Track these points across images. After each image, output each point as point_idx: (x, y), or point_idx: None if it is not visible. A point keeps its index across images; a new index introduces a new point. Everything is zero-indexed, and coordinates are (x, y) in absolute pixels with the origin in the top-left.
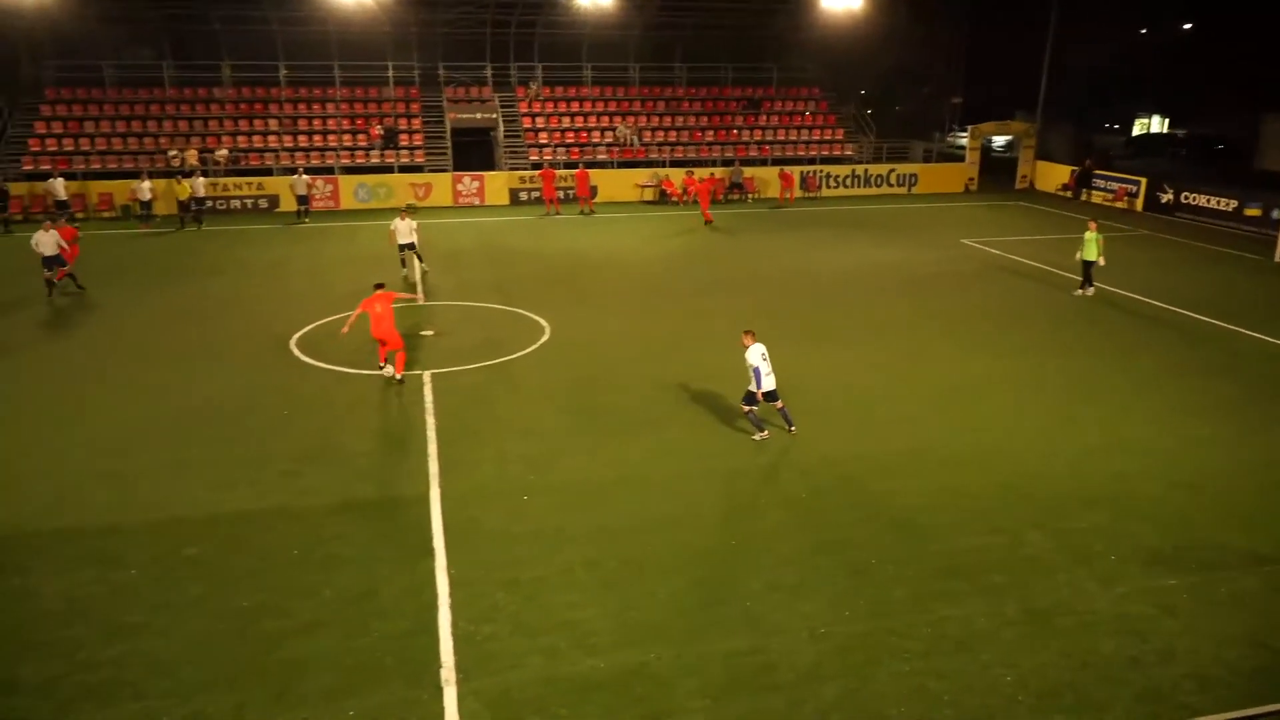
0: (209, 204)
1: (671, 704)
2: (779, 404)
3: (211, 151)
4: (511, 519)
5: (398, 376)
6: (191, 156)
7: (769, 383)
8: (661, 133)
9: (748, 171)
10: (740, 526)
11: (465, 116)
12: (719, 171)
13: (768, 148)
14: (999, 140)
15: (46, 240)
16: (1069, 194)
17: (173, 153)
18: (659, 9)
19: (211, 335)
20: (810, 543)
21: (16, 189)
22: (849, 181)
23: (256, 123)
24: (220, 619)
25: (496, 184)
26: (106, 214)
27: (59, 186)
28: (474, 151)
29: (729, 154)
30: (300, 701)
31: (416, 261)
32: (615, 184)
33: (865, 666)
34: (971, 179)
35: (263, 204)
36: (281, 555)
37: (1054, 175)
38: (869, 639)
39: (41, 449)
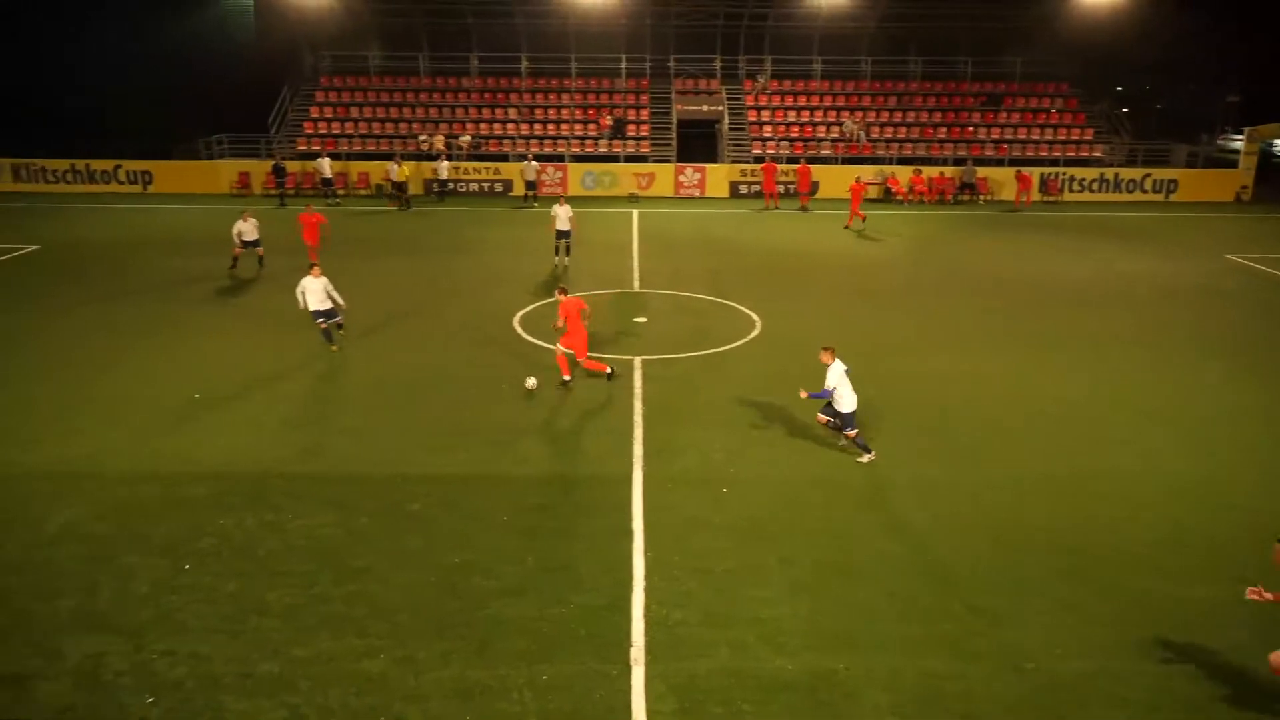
0: (451, 186)
1: (858, 716)
2: (852, 428)
3: (456, 137)
4: (710, 509)
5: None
6: (439, 141)
7: (850, 403)
8: (890, 129)
9: (981, 171)
10: (942, 541)
11: (691, 108)
12: (949, 170)
13: (1005, 147)
14: None
15: (247, 228)
16: None
17: (422, 137)
18: (895, 0)
19: (442, 307)
20: (1019, 568)
21: (290, 167)
22: (1095, 186)
23: (498, 111)
24: (434, 572)
25: (718, 176)
26: (363, 192)
27: (325, 165)
28: (697, 143)
29: (961, 152)
30: (499, 659)
31: (564, 253)
32: (838, 180)
33: (1077, 711)
34: (1244, 187)
35: (497, 188)
36: (492, 519)
37: None
38: (1082, 682)
39: (294, 403)
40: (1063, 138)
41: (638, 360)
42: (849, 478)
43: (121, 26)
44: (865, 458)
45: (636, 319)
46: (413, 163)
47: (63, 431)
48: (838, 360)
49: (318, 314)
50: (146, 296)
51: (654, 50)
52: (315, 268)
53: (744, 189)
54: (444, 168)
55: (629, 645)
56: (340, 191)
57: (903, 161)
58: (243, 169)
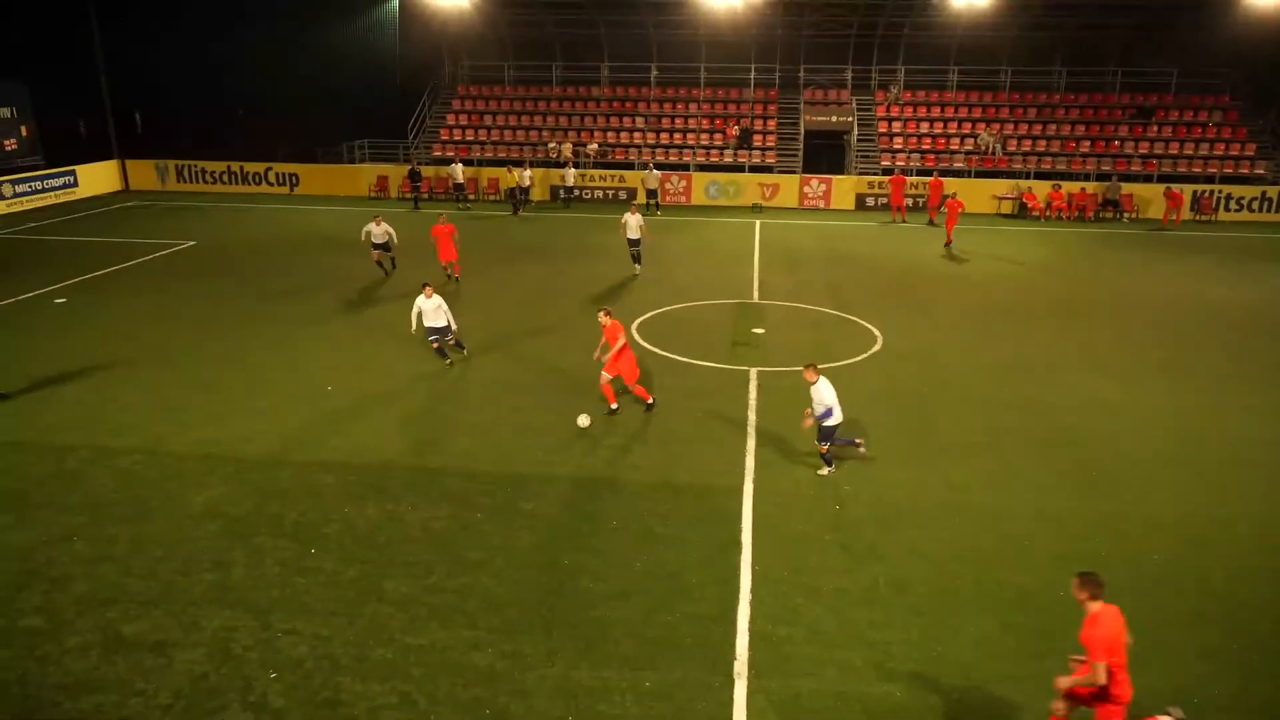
0: (576, 193)
1: None
2: (829, 443)
3: (584, 145)
4: (821, 526)
5: (647, 402)
6: (566, 149)
7: (838, 415)
8: (1029, 142)
9: (1126, 188)
10: (1068, 575)
11: (820, 119)
12: (1091, 186)
13: (1155, 162)
14: None
15: (378, 231)
16: None
17: (551, 145)
18: (1041, 8)
19: (562, 311)
20: (1158, 612)
21: (425, 172)
22: (1255, 205)
23: (625, 120)
24: (545, 571)
25: (844, 188)
26: (493, 197)
27: (458, 171)
28: (825, 154)
29: (1106, 167)
30: (604, 661)
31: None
32: (970, 194)
33: None
34: None
35: (622, 195)
36: (602, 522)
37: None
38: None
39: (417, 400)
40: (1220, 153)
41: (753, 371)
42: (970, 501)
43: (276, 35)
44: (824, 470)
45: (754, 330)
46: (524, 170)
47: (208, 416)
48: (823, 378)
49: (432, 331)
50: (288, 294)
51: (784, 60)
52: (428, 287)
53: (870, 201)
54: (570, 175)
55: (733, 658)
56: (471, 196)
57: (1041, 176)
58: (381, 173)
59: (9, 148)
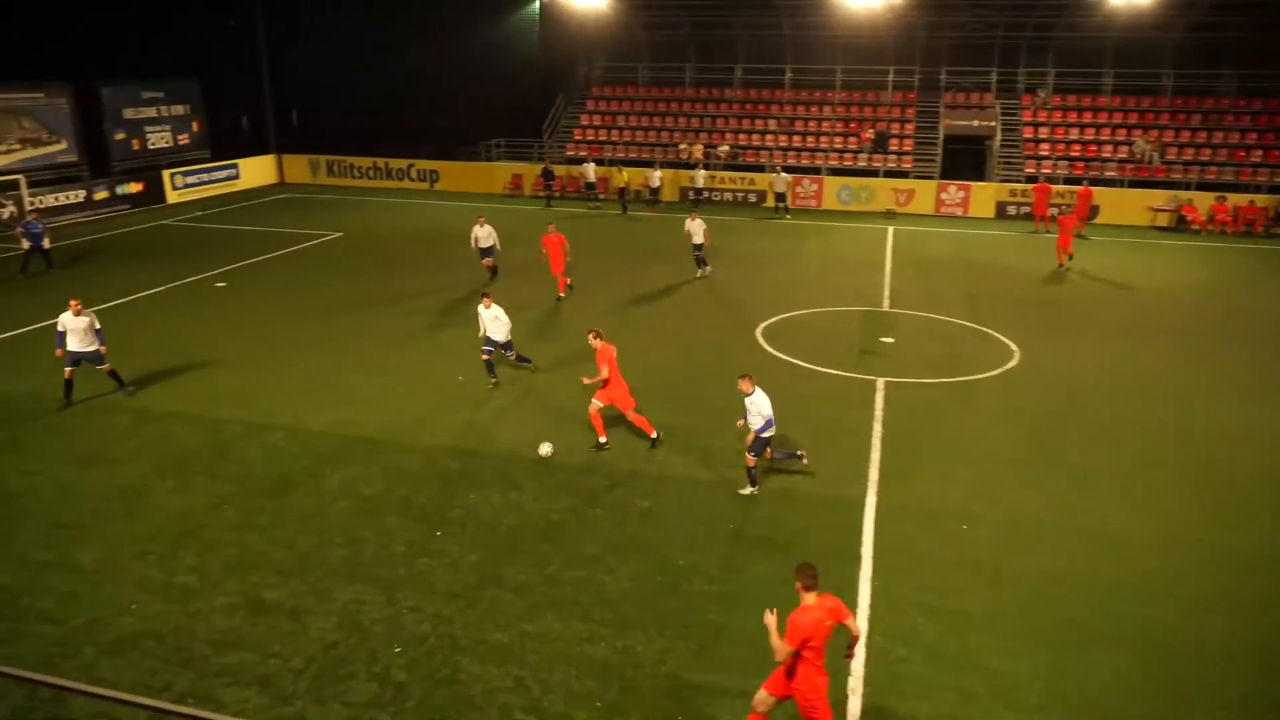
0: (705, 194)
1: None
2: (760, 456)
3: (715, 147)
4: (945, 544)
5: (653, 435)
6: (697, 151)
7: (769, 430)
8: (1191, 150)
9: None
10: (1218, 617)
11: (960, 123)
12: (1261, 199)
13: None
14: None
15: (484, 234)
16: None
17: (682, 146)
18: (1209, 7)
19: (688, 312)
20: None
21: (558, 170)
22: None
23: (758, 122)
24: (659, 569)
25: (984, 195)
26: None
27: (590, 170)
28: (964, 160)
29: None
30: (716, 664)
31: (703, 265)
32: (1122, 205)
33: None
34: None
35: (751, 199)
36: (719, 526)
37: None
38: None
39: (542, 393)
40: None
41: (880, 381)
42: (1107, 529)
43: (423, 39)
44: (748, 490)
45: (883, 339)
46: (655, 170)
47: (345, 399)
48: (759, 390)
49: (487, 343)
50: (426, 284)
51: (924, 62)
52: (486, 298)
53: (1012, 210)
54: (700, 176)
55: (848, 673)
56: (601, 195)
57: (1202, 187)
58: (516, 171)
59: (182, 142)
